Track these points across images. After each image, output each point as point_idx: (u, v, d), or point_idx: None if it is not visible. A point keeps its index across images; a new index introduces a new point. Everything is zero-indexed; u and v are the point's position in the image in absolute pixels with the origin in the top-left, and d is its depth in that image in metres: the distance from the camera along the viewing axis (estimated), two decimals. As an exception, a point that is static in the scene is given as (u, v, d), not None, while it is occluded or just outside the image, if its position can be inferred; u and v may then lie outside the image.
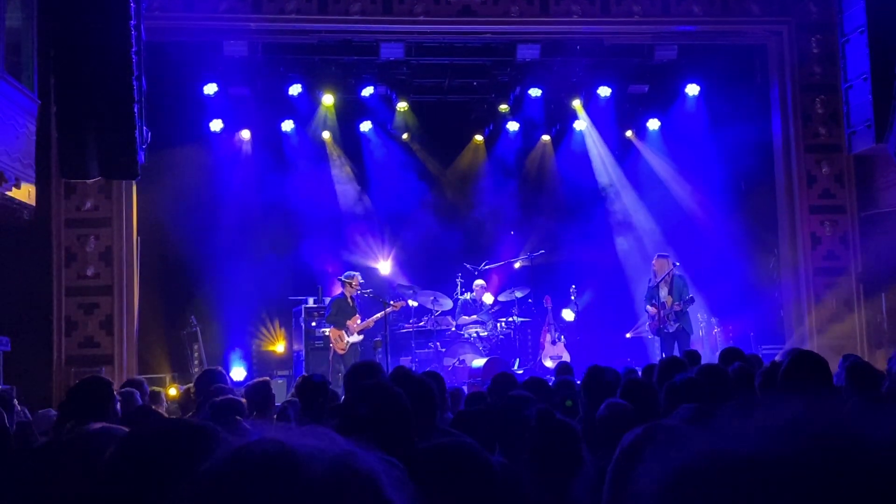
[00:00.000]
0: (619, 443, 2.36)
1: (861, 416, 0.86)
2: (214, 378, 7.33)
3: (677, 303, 13.29)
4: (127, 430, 2.44)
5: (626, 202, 17.15)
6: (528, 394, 5.11)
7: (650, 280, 13.67)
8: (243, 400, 6.40)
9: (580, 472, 3.58)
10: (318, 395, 5.73)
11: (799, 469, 0.80)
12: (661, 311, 13.31)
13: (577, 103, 16.97)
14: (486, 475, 2.23)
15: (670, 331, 13.32)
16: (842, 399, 5.00)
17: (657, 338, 13.62)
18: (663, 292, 13.45)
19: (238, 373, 14.71)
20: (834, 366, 7.52)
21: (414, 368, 11.38)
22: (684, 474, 0.84)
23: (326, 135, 16.93)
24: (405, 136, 17.34)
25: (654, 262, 13.75)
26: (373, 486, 0.97)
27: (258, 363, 15.52)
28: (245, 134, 16.28)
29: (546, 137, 17.76)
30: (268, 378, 8.28)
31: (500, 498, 2.26)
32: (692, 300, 13.35)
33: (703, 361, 13.55)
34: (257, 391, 6.94)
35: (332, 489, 0.94)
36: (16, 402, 8.70)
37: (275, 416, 6.92)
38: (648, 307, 13.69)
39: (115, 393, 5.18)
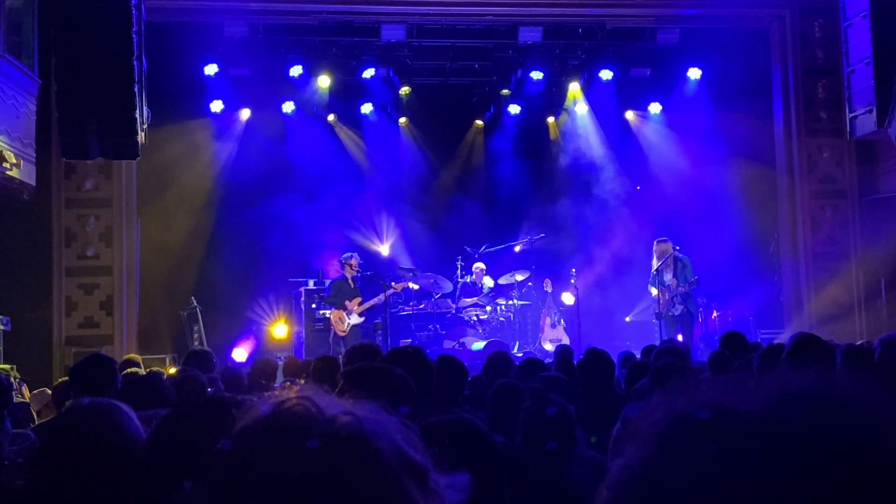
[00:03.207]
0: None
1: (863, 393, 0.87)
2: (199, 360, 7.37)
3: (682, 285, 13.28)
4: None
5: (627, 185, 17.12)
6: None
7: (653, 266, 13.64)
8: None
9: (574, 452, 3.60)
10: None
11: (800, 435, 0.81)
12: (667, 294, 13.30)
13: (578, 87, 16.93)
14: (489, 452, 2.24)
15: (675, 314, 13.31)
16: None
17: (658, 321, 13.60)
18: (667, 276, 13.44)
19: (239, 354, 14.73)
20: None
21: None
22: (684, 419, 0.85)
23: (332, 117, 16.92)
24: (402, 120, 17.31)
25: (654, 247, 13.75)
26: (393, 440, 1.02)
27: (258, 344, 15.53)
28: (245, 115, 16.24)
29: (548, 120, 17.72)
30: (277, 362, 8.37)
31: (503, 474, 2.27)
32: (698, 281, 13.35)
33: (703, 345, 13.62)
34: (265, 368, 7.14)
35: (353, 444, 0.99)
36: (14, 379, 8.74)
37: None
38: (653, 291, 13.65)
39: (117, 372, 5.18)
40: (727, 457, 0.81)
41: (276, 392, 1.07)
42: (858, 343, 7.46)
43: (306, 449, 0.98)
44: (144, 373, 6.98)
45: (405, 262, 16.11)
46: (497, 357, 7.37)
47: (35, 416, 6.91)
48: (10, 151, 10.89)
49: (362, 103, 16.95)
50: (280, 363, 8.99)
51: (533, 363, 6.76)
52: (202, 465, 1.04)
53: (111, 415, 2.35)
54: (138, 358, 9.96)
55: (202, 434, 1.57)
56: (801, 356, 4.47)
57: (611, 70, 16.31)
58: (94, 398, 2.51)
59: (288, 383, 6.48)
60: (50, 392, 7.54)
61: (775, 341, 8.22)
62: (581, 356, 6.31)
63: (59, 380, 8.45)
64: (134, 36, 11.29)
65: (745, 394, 0.86)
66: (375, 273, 14.55)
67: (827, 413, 0.82)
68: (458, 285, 15.28)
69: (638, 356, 8.12)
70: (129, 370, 6.73)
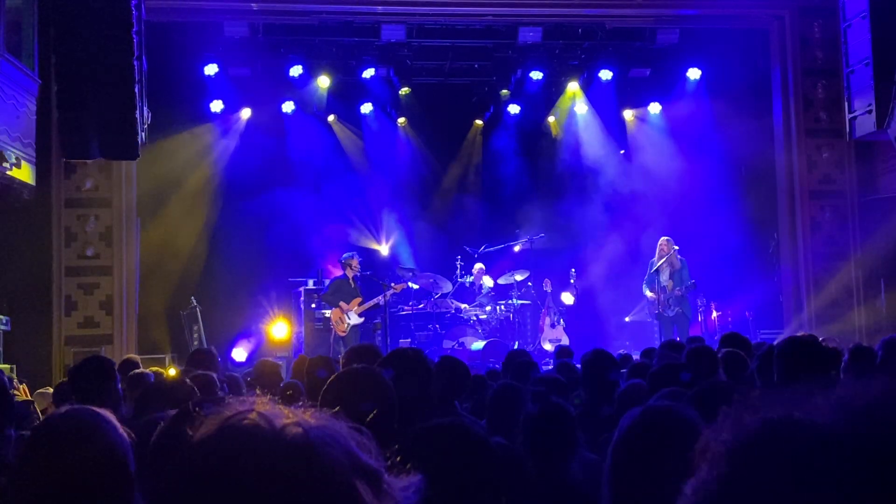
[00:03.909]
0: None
1: None
2: (203, 359, 7.30)
3: (678, 288, 13.30)
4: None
5: (627, 185, 17.11)
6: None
7: (652, 263, 13.68)
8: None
9: (576, 453, 3.61)
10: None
11: (876, 448, 0.80)
12: (662, 295, 13.33)
13: (577, 87, 16.93)
14: (484, 454, 2.25)
15: (670, 315, 13.35)
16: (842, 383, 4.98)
17: (657, 322, 13.64)
18: (664, 276, 13.46)
19: (239, 354, 14.74)
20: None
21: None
22: (759, 437, 0.85)
23: (331, 118, 16.93)
24: (401, 120, 17.31)
25: (660, 243, 13.79)
26: (344, 446, 1.05)
27: (258, 344, 15.53)
28: (245, 115, 16.24)
29: (547, 120, 17.72)
30: (278, 363, 8.35)
31: (499, 477, 2.28)
32: (694, 285, 13.37)
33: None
34: (269, 370, 7.12)
35: (301, 453, 1.01)
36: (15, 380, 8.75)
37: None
38: (647, 293, 13.71)
39: (117, 373, 5.18)
40: (803, 471, 0.81)
41: (230, 405, 1.09)
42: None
43: (256, 462, 1.00)
44: (151, 374, 6.98)
45: (405, 262, 16.11)
46: (515, 355, 7.38)
47: (40, 415, 6.92)
48: (11, 151, 10.89)
49: (362, 103, 16.96)
50: (278, 363, 8.99)
51: (527, 367, 6.74)
52: (155, 482, 1.05)
53: (92, 423, 2.33)
54: (137, 358, 9.96)
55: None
56: (796, 363, 4.46)
57: (610, 70, 16.30)
58: (74, 406, 2.48)
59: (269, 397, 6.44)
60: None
61: (775, 341, 8.22)
62: (586, 356, 6.29)
63: (60, 380, 8.46)
64: (134, 36, 11.29)
65: (812, 408, 0.86)
66: (375, 273, 14.56)
67: None
68: (458, 285, 15.30)
69: (635, 358, 8.12)
70: (134, 371, 6.71)
